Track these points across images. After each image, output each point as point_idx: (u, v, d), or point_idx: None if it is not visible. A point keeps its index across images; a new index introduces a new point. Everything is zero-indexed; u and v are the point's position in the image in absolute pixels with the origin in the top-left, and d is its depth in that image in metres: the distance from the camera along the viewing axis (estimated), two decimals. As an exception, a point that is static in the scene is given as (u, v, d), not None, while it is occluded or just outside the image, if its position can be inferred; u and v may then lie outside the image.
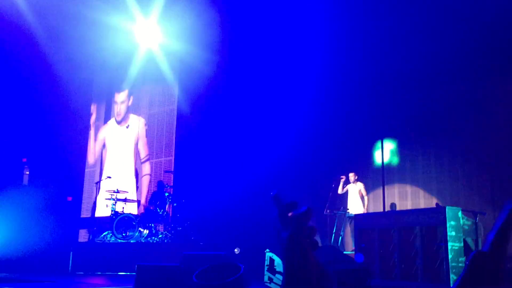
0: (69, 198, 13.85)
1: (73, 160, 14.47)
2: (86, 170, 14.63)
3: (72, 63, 13.74)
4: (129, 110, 14.10)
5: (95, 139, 14.66)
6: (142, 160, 13.52)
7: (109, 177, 12.42)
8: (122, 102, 14.20)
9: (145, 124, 13.64)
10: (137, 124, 13.79)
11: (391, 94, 11.00)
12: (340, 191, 10.65)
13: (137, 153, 13.69)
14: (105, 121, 14.63)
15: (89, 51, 13.33)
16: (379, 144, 10.48)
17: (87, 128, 14.98)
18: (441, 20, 10.08)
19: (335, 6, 10.77)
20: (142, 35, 12.90)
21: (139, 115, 13.88)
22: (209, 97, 12.32)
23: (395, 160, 11.14)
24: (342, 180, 10.66)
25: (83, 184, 14.48)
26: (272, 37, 11.34)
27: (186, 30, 12.00)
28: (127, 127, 13.87)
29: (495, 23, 9.23)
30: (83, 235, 13.59)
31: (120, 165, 13.87)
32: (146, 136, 13.60)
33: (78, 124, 14.82)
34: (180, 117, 13.08)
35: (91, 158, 14.52)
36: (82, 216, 13.99)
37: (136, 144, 13.70)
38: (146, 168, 13.44)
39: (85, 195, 14.30)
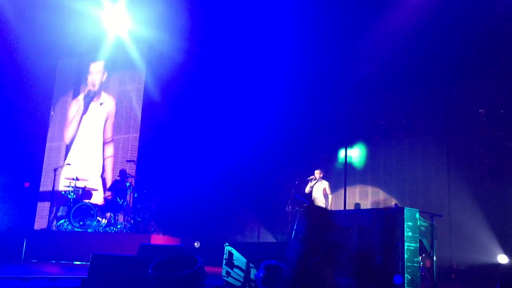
0: (26, 184, 13.46)
1: (32, 144, 14.05)
2: (46, 153, 14.22)
3: (37, 48, 13.40)
4: (101, 87, 13.76)
5: (67, 118, 14.18)
6: (107, 141, 13.24)
7: (69, 164, 12.12)
8: (98, 73, 13.81)
9: (115, 104, 13.38)
10: (109, 103, 13.50)
11: (358, 96, 11.13)
12: (307, 190, 10.58)
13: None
14: (74, 98, 14.23)
15: (54, 37, 13.03)
16: (343, 145, 10.61)
17: (48, 112, 14.57)
18: (404, 27, 10.22)
19: (308, 5, 10.78)
20: (110, 21, 12.65)
21: (109, 94, 13.63)
22: (178, 84, 12.21)
23: (358, 162, 11.29)
24: (312, 180, 10.54)
25: (41, 170, 14.08)
26: (243, 29, 11.27)
27: (155, 16, 11.83)
28: (100, 104, 13.53)
29: (454, 31, 9.45)
30: (39, 223, 13.22)
31: (87, 146, 13.52)
32: (115, 116, 13.33)
33: (39, 108, 14.39)
34: (146, 105, 12.89)
35: (67, 138, 14.06)
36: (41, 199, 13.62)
37: (105, 123, 13.40)
38: (109, 150, 13.17)
39: (43, 181, 13.91)
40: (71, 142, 13.89)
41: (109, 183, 12.48)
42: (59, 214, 11.43)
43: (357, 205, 10.72)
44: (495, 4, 8.86)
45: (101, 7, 12.17)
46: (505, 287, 4.20)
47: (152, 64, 12.79)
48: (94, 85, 13.77)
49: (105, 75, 13.73)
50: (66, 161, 13.31)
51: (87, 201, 11.03)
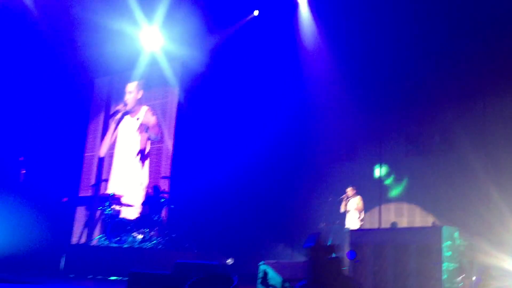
0: (65, 199, 13.79)
1: (70, 160, 14.43)
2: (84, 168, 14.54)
3: (76, 65, 13.83)
4: (136, 104, 14.04)
5: (103, 134, 14.51)
6: (142, 155, 13.41)
7: (106, 180, 12.34)
8: (132, 92, 14.12)
9: (150, 118, 13.62)
10: (144, 117, 13.78)
11: (393, 110, 11.03)
12: (342, 209, 10.52)
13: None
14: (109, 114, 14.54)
15: (92, 55, 13.43)
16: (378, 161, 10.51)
17: (85, 128, 14.95)
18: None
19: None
20: (146, 40, 13.03)
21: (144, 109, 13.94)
22: (207, 98, 12.42)
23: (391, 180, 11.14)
24: (345, 199, 10.47)
25: (79, 184, 14.42)
26: (262, 46, 11.49)
27: (186, 35, 12.13)
28: (137, 119, 13.82)
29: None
30: (76, 236, 13.50)
31: (123, 161, 13.76)
32: (150, 130, 13.54)
33: (76, 124, 14.79)
34: (179, 121, 13.11)
35: (102, 153, 14.40)
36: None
37: (140, 137, 13.64)
38: (144, 165, 13.37)
39: (81, 193, 14.25)
40: (109, 156, 14.17)
41: (143, 198, 12.67)
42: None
43: (394, 223, 10.53)
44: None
45: (138, 27, 12.52)
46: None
47: (184, 80, 13.06)
48: (128, 103, 14.05)
49: (140, 93, 14.01)
50: (104, 177, 13.59)
51: (123, 216, 11.23)
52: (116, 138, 14.15)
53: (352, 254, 6.58)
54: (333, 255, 3.74)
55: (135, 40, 13.06)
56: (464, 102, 10.51)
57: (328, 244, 4.03)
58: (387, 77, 10.75)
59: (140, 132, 13.58)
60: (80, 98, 14.85)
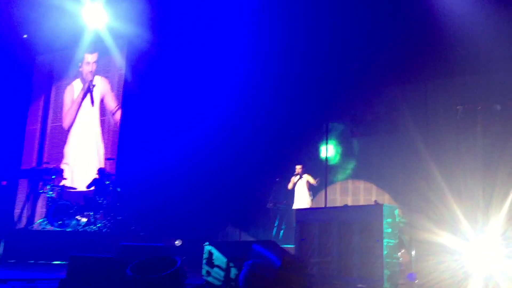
0: (4, 183, 13.24)
1: (12, 144, 13.87)
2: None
3: (16, 43, 13.25)
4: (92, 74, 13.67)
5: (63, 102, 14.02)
6: (113, 111, 13.07)
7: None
8: (87, 64, 13.68)
9: (108, 83, 13.28)
10: (102, 86, 13.41)
11: (341, 88, 11.18)
12: (290, 186, 10.54)
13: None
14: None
15: (33, 32, 12.89)
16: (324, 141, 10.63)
17: (27, 105, 14.38)
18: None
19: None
20: (89, 16, 12.59)
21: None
22: (156, 79, 12.19)
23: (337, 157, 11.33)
24: (294, 178, 10.48)
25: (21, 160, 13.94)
26: (216, 18, 11.37)
27: (131, 12, 11.82)
28: (94, 85, 13.42)
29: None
30: (16, 221, 13.03)
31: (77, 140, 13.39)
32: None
33: (18, 101, 14.20)
34: (125, 102, 12.83)
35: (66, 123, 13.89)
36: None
37: (102, 101, 13.27)
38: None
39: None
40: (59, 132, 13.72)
41: (88, 181, 12.34)
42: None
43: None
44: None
45: (80, 3, 12.09)
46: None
47: (130, 58, 12.75)
48: (87, 74, 13.63)
49: (95, 66, 13.62)
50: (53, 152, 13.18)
51: (66, 199, 10.91)
52: (79, 109, 13.74)
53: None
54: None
55: (78, 16, 12.58)
56: (407, 84, 10.80)
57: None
58: (333, 58, 10.85)
59: (99, 102, 13.27)
60: (22, 76, 14.24)
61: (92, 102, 13.49)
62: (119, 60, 12.97)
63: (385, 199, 10.32)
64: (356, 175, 11.19)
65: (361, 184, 11.11)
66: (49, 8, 12.00)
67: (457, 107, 9.45)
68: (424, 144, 10.11)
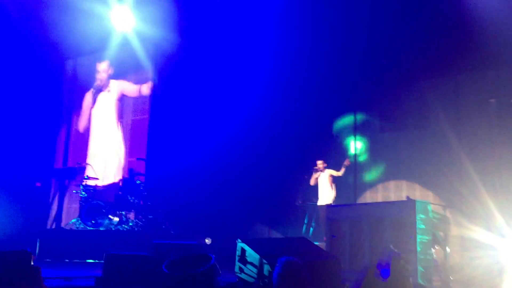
0: (38, 184, 13.56)
1: (42, 143, 14.17)
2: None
3: (44, 46, 13.50)
4: (109, 79, 13.91)
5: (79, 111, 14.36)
6: (118, 136, 13.29)
7: (86, 165, 12.25)
8: (104, 71, 13.94)
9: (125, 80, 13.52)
10: (116, 86, 13.64)
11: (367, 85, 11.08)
12: (312, 182, 10.50)
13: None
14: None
15: (61, 36, 13.11)
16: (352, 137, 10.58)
17: (58, 115, 14.68)
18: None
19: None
20: (116, 20, 12.74)
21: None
22: (183, 83, 12.29)
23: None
24: (316, 172, 10.43)
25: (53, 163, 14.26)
26: (242, 21, 11.39)
27: (158, 15, 11.93)
28: (108, 91, 13.68)
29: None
30: (51, 221, 13.33)
31: (99, 143, 13.63)
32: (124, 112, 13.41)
33: (48, 109, 14.49)
34: (154, 105, 12.98)
35: (81, 127, 14.24)
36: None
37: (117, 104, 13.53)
38: (120, 147, 13.26)
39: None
40: (86, 135, 13.99)
41: (119, 179, 12.54)
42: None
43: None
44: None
45: (108, 6, 12.25)
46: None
47: (157, 61, 12.88)
48: (101, 81, 13.86)
49: (111, 70, 13.84)
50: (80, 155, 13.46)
51: (98, 199, 11.09)
52: (91, 115, 13.99)
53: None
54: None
55: (106, 20, 12.75)
56: (438, 78, 10.64)
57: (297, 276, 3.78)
58: (362, 53, 10.76)
59: (115, 104, 13.47)
60: (51, 79, 14.53)
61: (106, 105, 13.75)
62: (146, 63, 13.10)
63: (417, 195, 10.18)
64: (386, 172, 11.07)
65: (391, 182, 10.99)
66: (78, 12, 12.19)
67: (490, 100, 9.29)
68: (456, 139, 9.95)
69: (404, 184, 10.78)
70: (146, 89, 13.22)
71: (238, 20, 11.37)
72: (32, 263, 4.71)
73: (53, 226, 12.88)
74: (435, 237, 6.76)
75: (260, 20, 11.16)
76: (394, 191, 10.81)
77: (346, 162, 10.16)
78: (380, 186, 11.11)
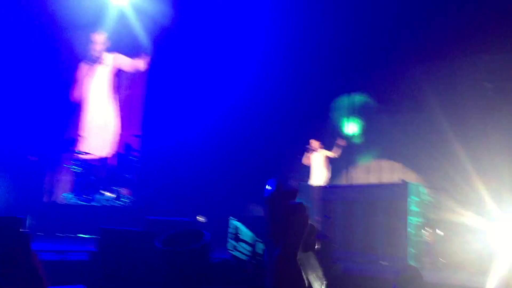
0: (33, 158, 13.47)
1: (39, 116, 14.08)
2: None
3: (40, 18, 13.32)
4: (106, 51, 13.79)
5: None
6: (113, 111, 13.21)
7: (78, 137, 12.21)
8: (98, 43, 13.79)
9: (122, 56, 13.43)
10: (112, 60, 13.54)
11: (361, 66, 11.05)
12: (305, 161, 10.52)
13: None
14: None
15: (57, 10, 12.94)
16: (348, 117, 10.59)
17: (53, 87, 14.53)
18: None
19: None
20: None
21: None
22: (180, 56, 12.21)
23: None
24: (309, 151, 10.44)
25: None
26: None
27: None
28: (104, 64, 13.59)
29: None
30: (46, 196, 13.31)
31: (94, 117, 13.56)
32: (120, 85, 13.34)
33: (43, 80, 14.34)
34: (149, 78, 12.90)
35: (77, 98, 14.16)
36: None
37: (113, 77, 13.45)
38: (115, 122, 13.19)
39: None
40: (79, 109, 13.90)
41: (114, 153, 12.51)
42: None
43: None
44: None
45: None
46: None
47: (153, 35, 12.77)
48: (97, 53, 13.71)
49: (107, 43, 13.69)
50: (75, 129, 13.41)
51: (92, 174, 11.09)
52: (86, 87, 13.88)
53: None
54: (296, 200, 3.22)
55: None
56: (433, 62, 10.61)
57: (289, 189, 3.36)
58: (357, 35, 10.69)
59: (111, 77, 13.37)
60: (46, 51, 14.36)
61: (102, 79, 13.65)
62: (142, 37, 12.99)
63: (409, 178, 10.25)
64: (379, 154, 11.12)
65: (385, 163, 11.05)
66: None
67: (484, 84, 9.29)
68: (449, 123, 9.98)
69: (397, 166, 10.85)
70: (142, 64, 13.12)
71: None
72: (21, 230, 4.73)
73: (46, 200, 12.87)
74: (427, 219, 6.84)
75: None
76: (387, 172, 10.87)
77: (340, 142, 10.18)
78: (373, 168, 11.17)
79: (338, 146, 10.17)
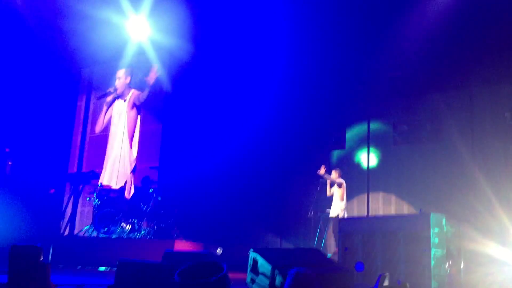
0: (52, 190, 13.66)
1: (57, 151, 14.31)
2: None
3: (61, 56, 13.70)
4: (127, 87, 14.03)
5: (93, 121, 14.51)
6: (131, 145, 13.38)
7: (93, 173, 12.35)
8: (119, 78, 14.09)
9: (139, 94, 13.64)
10: (131, 95, 13.80)
11: (379, 98, 11.06)
12: (328, 193, 10.47)
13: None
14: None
15: (78, 44, 13.30)
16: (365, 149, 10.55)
17: (72, 121, 14.83)
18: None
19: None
20: (132, 29, 12.89)
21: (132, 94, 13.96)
22: (196, 90, 12.38)
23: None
24: (328, 181, 10.41)
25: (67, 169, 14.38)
26: (250, 29, 11.46)
27: (173, 24, 12.06)
28: (124, 101, 13.83)
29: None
30: (64, 227, 13.42)
31: (113, 150, 13.75)
32: (140, 122, 13.53)
33: (63, 117, 14.65)
34: (167, 112, 13.08)
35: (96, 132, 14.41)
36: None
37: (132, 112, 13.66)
38: (133, 155, 13.34)
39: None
40: (102, 141, 14.10)
41: (132, 189, 12.61)
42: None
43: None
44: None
45: (125, 16, 12.40)
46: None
47: (172, 70, 12.99)
48: (118, 88, 14.00)
49: (128, 79, 13.98)
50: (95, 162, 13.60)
51: (111, 207, 11.15)
52: (108, 121, 14.11)
53: (360, 266, 6.58)
54: None
55: (122, 29, 12.92)
56: (451, 91, 10.59)
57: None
58: (375, 65, 10.75)
59: (130, 110, 13.57)
60: (67, 88, 14.71)
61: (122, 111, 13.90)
62: (161, 72, 13.23)
63: (430, 209, 10.09)
64: (399, 184, 11.00)
65: (405, 194, 10.91)
66: (95, 21, 12.35)
67: (505, 114, 9.21)
68: (470, 152, 9.88)
69: (417, 197, 10.71)
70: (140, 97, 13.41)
71: (251, 30, 11.45)
72: (41, 259, 4.77)
73: (66, 233, 12.96)
74: (449, 251, 6.69)
75: (272, 29, 11.25)
76: (407, 204, 10.73)
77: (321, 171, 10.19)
78: (392, 199, 11.03)
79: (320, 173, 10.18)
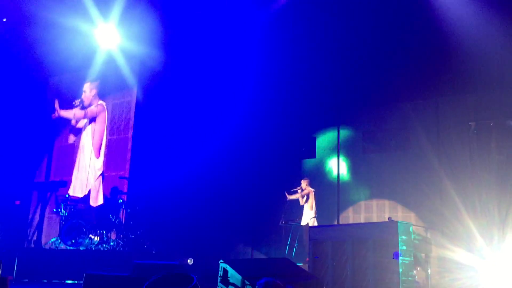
0: (17, 202, 13.33)
1: (23, 160, 13.98)
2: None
3: (28, 64, 13.43)
4: (93, 99, 13.83)
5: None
6: (98, 154, 13.18)
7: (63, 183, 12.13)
8: (85, 92, 13.88)
9: (106, 116, 13.43)
10: (100, 114, 13.60)
11: (351, 106, 11.20)
12: (301, 202, 10.50)
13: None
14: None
15: (45, 53, 13.05)
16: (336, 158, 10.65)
17: (39, 130, 14.52)
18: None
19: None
20: (102, 38, 12.71)
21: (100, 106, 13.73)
22: (166, 98, 12.28)
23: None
24: (299, 192, 10.44)
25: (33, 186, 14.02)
26: (222, 33, 11.45)
27: (143, 32, 11.97)
28: (90, 110, 13.62)
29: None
30: (29, 240, 13.08)
31: (80, 161, 13.52)
32: (106, 129, 13.36)
33: (31, 126, 14.33)
34: (137, 119, 12.93)
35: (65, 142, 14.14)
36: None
37: (97, 134, 13.47)
38: (100, 165, 13.13)
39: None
40: (67, 153, 13.85)
41: (101, 199, 12.39)
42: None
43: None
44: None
45: (93, 24, 12.24)
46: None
47: (142, 78, 12.86)
48: (84, 101, 13.78)
49: (93, 92, 13.77)
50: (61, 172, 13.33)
51: (78, 218, 10.94)
52: (76, 131, 13.88)
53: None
54: None
55: (91, 38, 12.73)
56: (419, 101, 10.80)
57: None
58: (345, 75, 10.89)
59: (97, 121, 13.42)
60: (34, 97, 14.41)
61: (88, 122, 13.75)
62: (131, 80, 13.08)
63: (399, 216, 10.25)
64: (368, 193, 11.14)
65: (374, 202, 11.05)
66: (63, 29, 12.15)
67: (470, 123, 9.44)
68: (437, 160, 10.08)
69: (386, 204, 10.85)
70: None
71: (222, 38, 11.46)
72: None
73: (32, 245, 12.63)
74: (417, 258, 6.79)
75: (243, 38, 11.27)
76: (377, 211, 10.86)
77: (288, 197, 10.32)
78: (362, 207, 11.16)
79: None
